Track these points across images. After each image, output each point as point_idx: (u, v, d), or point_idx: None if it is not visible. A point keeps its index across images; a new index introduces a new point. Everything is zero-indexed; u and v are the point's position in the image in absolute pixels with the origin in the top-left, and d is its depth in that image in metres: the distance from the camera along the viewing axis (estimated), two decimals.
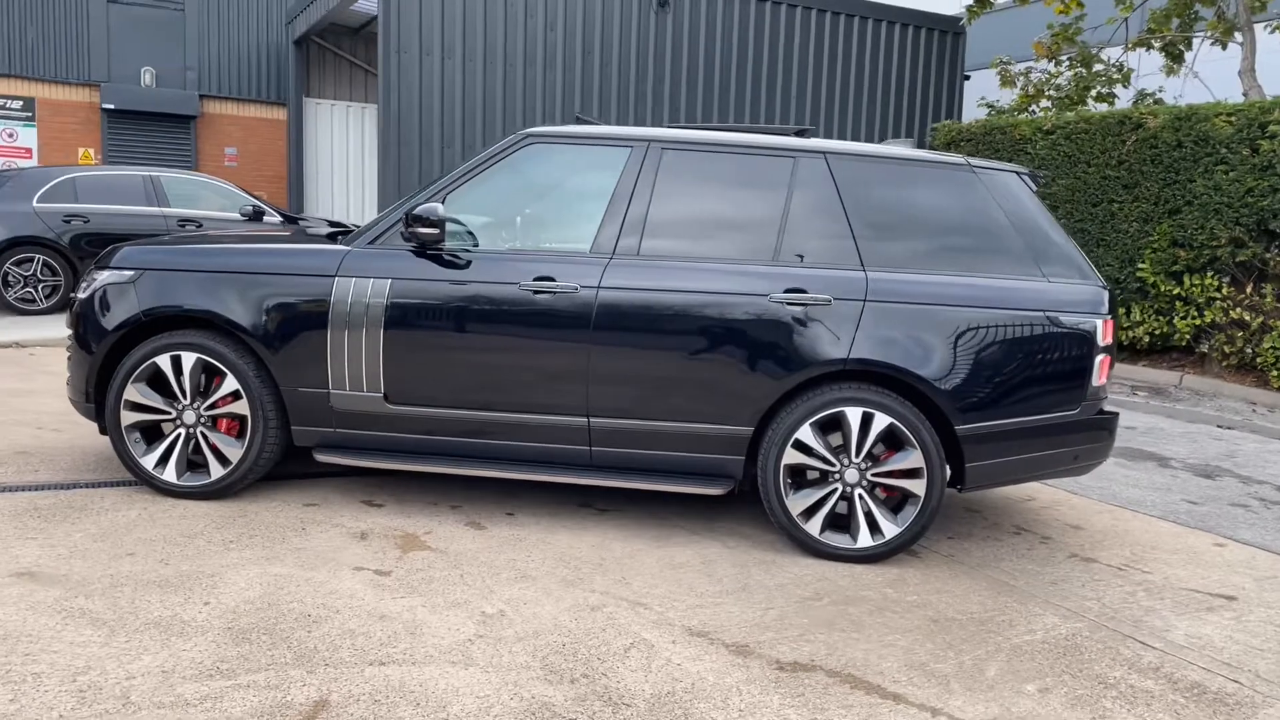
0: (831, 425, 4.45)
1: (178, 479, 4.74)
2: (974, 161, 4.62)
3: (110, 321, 4.74)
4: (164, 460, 4.74)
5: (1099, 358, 4.47)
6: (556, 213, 5.00)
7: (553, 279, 4.50)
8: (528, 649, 3.39)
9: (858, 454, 4.44)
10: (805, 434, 4.42)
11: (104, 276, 4.82)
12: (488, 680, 3.15)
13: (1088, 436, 4.57)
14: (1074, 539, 5.04)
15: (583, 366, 4.49)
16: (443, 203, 4.64)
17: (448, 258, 4.59)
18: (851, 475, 4.45)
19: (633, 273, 4.51)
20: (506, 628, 3.54)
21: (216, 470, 4.72)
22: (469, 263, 4.58)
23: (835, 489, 4.47)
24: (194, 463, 4.76)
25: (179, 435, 4.73)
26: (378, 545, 4.28)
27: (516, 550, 4.33)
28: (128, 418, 4.73)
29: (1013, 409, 4.46)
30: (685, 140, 4.69)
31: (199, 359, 4.67)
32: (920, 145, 5.89)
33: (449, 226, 4.65)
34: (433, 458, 4.70)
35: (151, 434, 4.79)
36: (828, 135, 12.62)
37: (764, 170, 4.63)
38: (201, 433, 4.72)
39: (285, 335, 4.63)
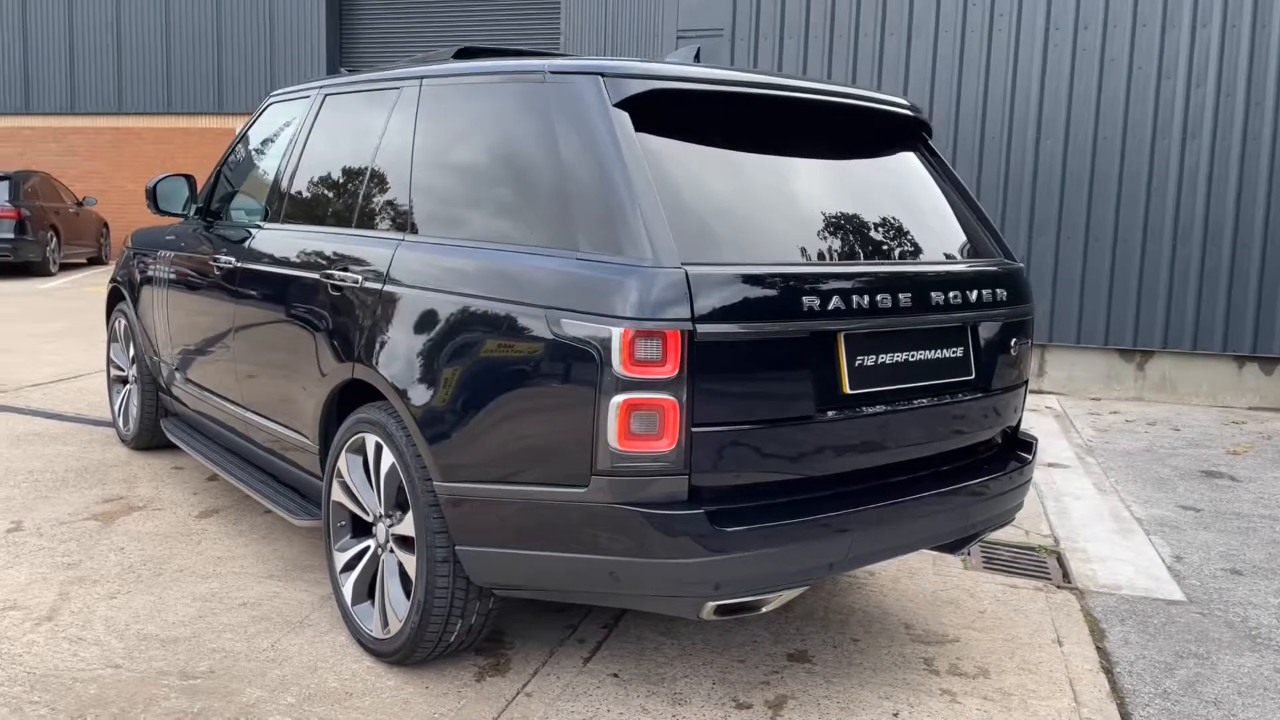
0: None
1: (123, 427, 5.42)
2: (557, 65, 2.75)
3: (108, 289, 5.63)
4: (121, 412, 5.48)
5: (618, 398, 2.33)
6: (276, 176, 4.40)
7: (225, 252, 4.04)
8: None
9: (380, 501, 3.08)
10: (343, 463, 3.22)
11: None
12: None
13: (622, 540, 2.41)
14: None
15: (229, 346, 3.96)
16: (219, 173, 4.49)
17: (208, 232, 4.41)
18: (381, 531, 3.11)
19: (265, 244, 3.80)
20: None
21: (134, 425, 5.29)
22: (210, 236, 4.35)
23: (369, 546, 3.17)
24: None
25: (128, 391, 5.42)
26: (95, 509, 4.37)
27: (164, 545, 4.00)
28: (111, 372, 5.58)
29: (495, 468, 2.61)
30: (344, 82, 3.73)
31: (125, 325, 5.28)
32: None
33: (239, 202, 4.48)
34: (201, 438, 4.58)
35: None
36: None
37: (375, 108, 3.45)
38: (132, 391, 5.33)
39: (144, 305, 4.97)
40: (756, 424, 2.45)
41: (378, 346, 2.98)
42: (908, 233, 2.96)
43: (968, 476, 2.92)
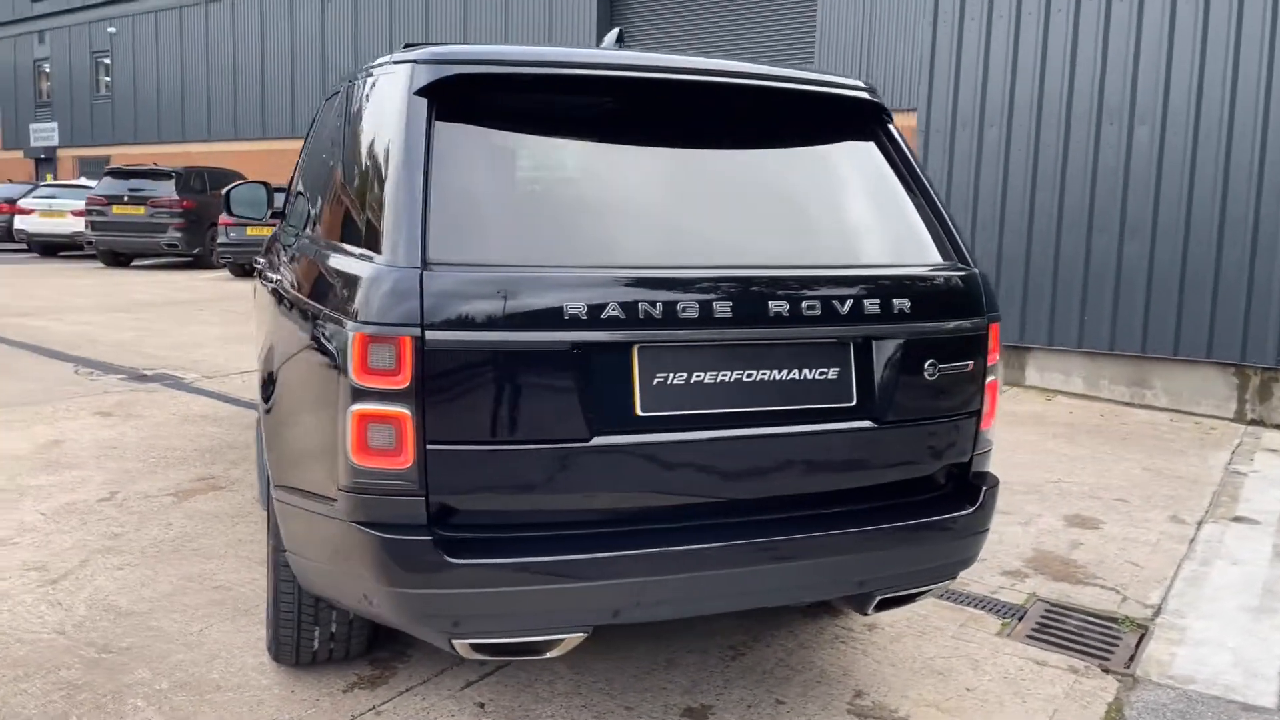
0: None
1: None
2: (400, 55, 2.56)
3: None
4: None
5: (353, 408, 2.13)
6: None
7: (260, 251, 4.26)
8: None
9: None
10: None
11: None
12: None
13: (362, 562, 2.18)
14: None
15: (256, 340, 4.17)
16: (295, 172, 4.75)
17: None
18: None
19: (277, 245, 3.96)
20: None
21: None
22: (272, 237, 4.62)
23: None
24: None
25: None
26: (184, 486, 4.80)
27: (206, 524, 4.31)
28: None
29: (291, 476, 2.51)
30: (335, 87, 3.77)
31: None
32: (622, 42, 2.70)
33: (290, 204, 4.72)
34: None
35: None
36: None
37: (335, 110, 3.45)
38: None
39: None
40: (511, 445, 2.17)
41: (263, 346, 3.01)
42: (786, 234, 2.49)
43: (849, 523, 2.41)
